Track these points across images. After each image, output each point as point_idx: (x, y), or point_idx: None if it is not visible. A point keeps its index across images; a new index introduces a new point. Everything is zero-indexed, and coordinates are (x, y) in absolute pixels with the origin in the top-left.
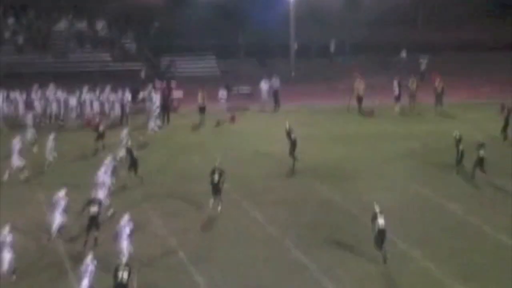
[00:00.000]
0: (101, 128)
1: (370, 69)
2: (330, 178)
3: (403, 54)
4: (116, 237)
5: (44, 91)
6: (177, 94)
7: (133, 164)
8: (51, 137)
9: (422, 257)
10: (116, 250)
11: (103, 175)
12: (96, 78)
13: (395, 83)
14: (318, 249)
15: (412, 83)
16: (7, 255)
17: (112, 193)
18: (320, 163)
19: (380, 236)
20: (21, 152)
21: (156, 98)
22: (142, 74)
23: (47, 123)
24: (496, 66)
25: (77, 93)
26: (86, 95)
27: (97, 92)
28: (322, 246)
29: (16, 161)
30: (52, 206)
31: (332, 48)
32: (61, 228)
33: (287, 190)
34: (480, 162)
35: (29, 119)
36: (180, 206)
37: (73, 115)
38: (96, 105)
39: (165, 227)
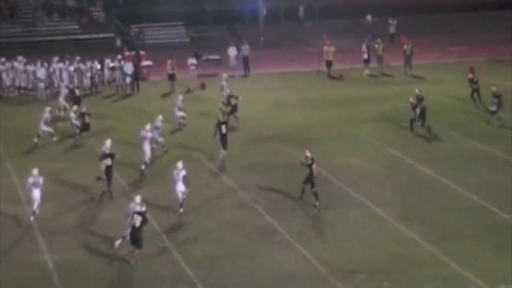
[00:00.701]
0: (77, 92)
1: (339, 33)
2: (301, 142)
3: (369, 17)
4: (173, 182)
5: (12, 62)
6: (146, 62)
7: (84, 128)
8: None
9: (394, 218)
10: (173, 194)
11: (149, 132)
12: (65, 48)
13: (364, 47)
14: (290, 213)
15: (379, 46)
16: (38, 194)
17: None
18: (290, 128)
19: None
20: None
21: (128, 67)
22: (118, 43)
23: (16, 94)
24: (464, 26)
25: (46, 64)
26: (55, 66)
27: (67, 63)
28: (294, 211)
29: (44, 128)
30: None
31: (301, 12)
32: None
33: (259, 155)
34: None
35: (63, 89)
36: (150, 174)
37: (42, 86)
38: (65, 76)
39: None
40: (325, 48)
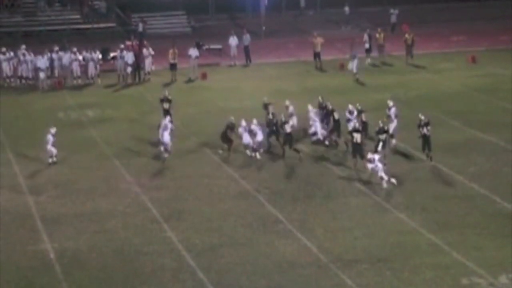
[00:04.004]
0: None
1: (340, 22)
2: (302, 131)
3: (346, 8)
4: None
5: (15, 52)
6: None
7: None
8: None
9: (395, 207)
10: None
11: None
12: (66, 38)
13: (365, 36)
14: (291, 202)
15: (380, 35)
16: (167, 137)
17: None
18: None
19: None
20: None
21: (129, 57)
22: (140, 27)
23: (18, 84)
24: (465, 15)
25: (47, 53)
26: (56, 55)
27: (68, 52)
28: (295, 200)
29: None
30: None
31: (302, 1)
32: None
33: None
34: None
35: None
36: (152, 163)
37: (43, 75)
38: (66, 65)
39: (137, 184)
40: (314, 40)
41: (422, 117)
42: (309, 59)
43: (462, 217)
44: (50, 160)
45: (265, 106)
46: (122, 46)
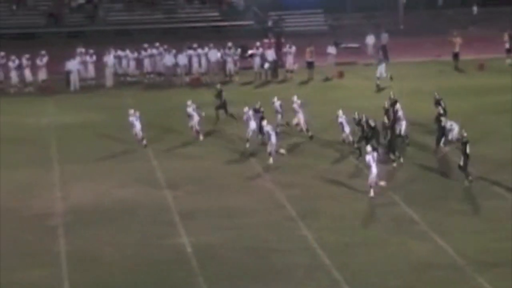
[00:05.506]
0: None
1: (478, 21)
2: (436, 132)
3: (474, 8)
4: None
5: (152, 49)
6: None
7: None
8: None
9: None
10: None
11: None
12: (204, 35)
13: (506, 36)
14: (427, 203)
15: None
16: (254, 124)
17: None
18: (426, 116)
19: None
20: None
21: (268, 54)
22: (269, 23)
23: (156, 80)
24: None
25: (186, 50)
26: (194, 52)
27: (206, 49)
28: (431, 200)
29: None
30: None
31: (440, 1)
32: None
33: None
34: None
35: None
36: (287, 161)
37: (180, 72)
38: (204, 62)
39: (272, 182)
40: (453, 39)
41: None
42: (447, 59)
43: None
44: (144, 142)
45: (437, 102)
46: (258, 43)
